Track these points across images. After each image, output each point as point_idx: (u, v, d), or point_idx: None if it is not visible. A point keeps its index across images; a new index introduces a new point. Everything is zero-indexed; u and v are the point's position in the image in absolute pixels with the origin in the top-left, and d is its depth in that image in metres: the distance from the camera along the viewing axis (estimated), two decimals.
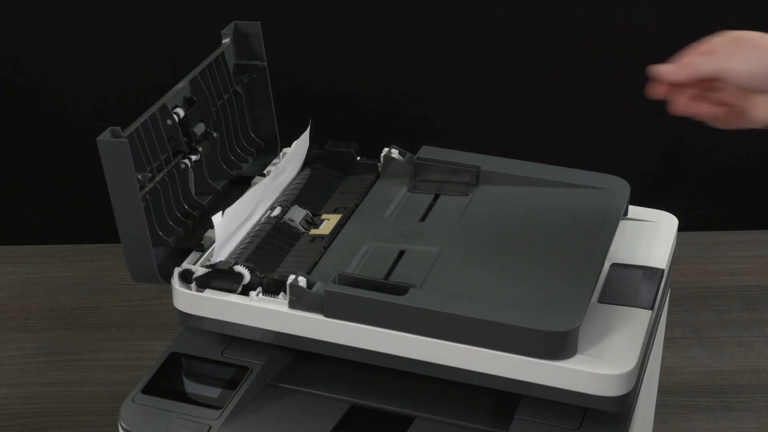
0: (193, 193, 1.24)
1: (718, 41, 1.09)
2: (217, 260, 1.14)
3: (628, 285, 1.17)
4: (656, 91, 1.10)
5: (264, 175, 1.30)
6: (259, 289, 1.10)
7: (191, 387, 1.14)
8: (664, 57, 1.10)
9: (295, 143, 1.28)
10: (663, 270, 1.19)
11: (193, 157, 1.23)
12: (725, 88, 1.09)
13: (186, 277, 1.13)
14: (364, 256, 1.15)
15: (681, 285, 1.75)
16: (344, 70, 1.80)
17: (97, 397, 1.41)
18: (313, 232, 1.20)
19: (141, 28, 1.75)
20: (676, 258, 1.26)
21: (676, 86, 1.10)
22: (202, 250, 1.17)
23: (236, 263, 1.11)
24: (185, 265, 1.14)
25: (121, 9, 1.74)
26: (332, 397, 1.11)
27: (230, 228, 1.16)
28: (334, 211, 1.24)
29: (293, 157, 1.29)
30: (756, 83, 1.05)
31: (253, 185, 1.28)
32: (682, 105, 1.10)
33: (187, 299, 1.13)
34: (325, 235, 1.19)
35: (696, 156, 1.89)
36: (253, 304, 1.10)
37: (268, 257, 1.16)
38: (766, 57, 1.05)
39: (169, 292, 1.15)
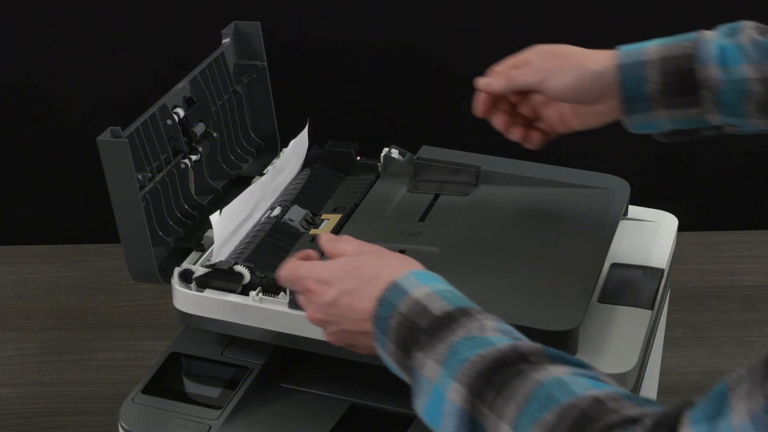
0: (193, 193, 1.24)
1: (533, 55, 1.14)
2: (217, 260, 1.14)
3: (628, 285, 1.17)
4: (477, 109, 1.16)
5: (263, 175, 1.30)
6: (259, 289, 1.10)
7: (191, 387, 1.15)
8: None
9: (292, 142, 1.28)
10: (663, 270, 1.19)
11: (193, 157, 1.23)
12: (535, 100, 1.16)
13: (186, 277, 1.13)
14: None
15: (681, 285, 1.75)
16: (344, 70, 1.81)
17: (97, 397, 1.40)
18: (312, 232, 1.20)
19: (141, 28, 1.75)
20: (676, 258, 1.26)
21: (496, 101, 1.16)
22: (202, 250, 1.17)
23: (236, 263, 1.11)
24: (185, 265, 1.14)
25: (121, 9, 1.74)
26: (332, 396, 1.11)
27: (229, 227, 1.16)
28: (334, 211, 1.24)
29: (292, 156, 1.29)
30: (575, 96, 1.11)
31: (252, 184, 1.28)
32: (503, 124, 1.16)
33: (187, 299, 1.13)
34: None
35: (696, 156, 1.89)
36: (253, 304, 1.10)
37: (268, 257, 1.16)
38: (584, 72, 1.10)
39: (169, 292, 1.15)
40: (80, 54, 1.76)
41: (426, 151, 1.30)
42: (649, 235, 1.25)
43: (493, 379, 0.81)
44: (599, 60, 1.11)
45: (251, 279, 1.10)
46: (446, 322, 0.86)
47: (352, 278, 0.93)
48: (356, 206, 1.25)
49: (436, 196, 1.26)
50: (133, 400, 1.12)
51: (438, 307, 0.87)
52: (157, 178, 1.17)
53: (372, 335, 0.91)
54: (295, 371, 1.15)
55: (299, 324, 1.08)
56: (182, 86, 1.23)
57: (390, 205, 1.25)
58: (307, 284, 0.96)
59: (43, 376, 1.44)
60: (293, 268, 0.98)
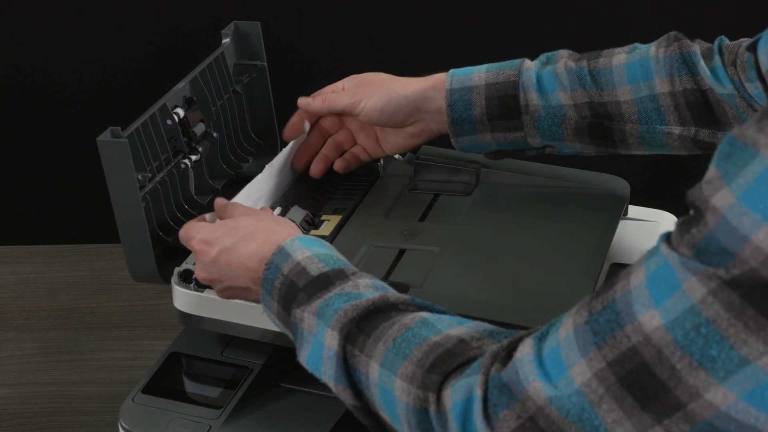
0: (193, 193, 1.24)
1: (348, 82, 1.25)
2: None
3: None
4: (288, 134, 1.28)
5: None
6: None
7: (191, 387, 1.15)
8: None
9: (292, 143, 1.28)
10: None
11: (193, 157, 1.23)
12: (351, 126, 1.27)
13: (186, 277, 1.13)
14: (363, 256, 1.14)
15: None
16: (344, 70, 1.80)
17: (97, 397, 1.40)
18: (313, 232, 1.20)
19: (141, 27, 1.75)
20: None
21: (315, 127, 1.27)
22: None
23: None
24: (185, 265, 1.14)
25: (121, 8, 1.74)
26: (332, 396, 1.11)
27: None
28: (334, 212, 1.24)
29: (290, 157, 1.29)
30: (384, 118, 1.22)
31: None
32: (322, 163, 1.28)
33: (187, 299, 1.13)
34: (325, 235, 1.19)
35: (696, 156, 1.89)
36: (252, 303, 1.10)
37: None
38: (391, 96, 1.21)
39: (168, 292, 1.15)
40: (80, 53, 1.76)
41: (426, 151, 1.30)
42: (649, 235, 1.25)
43: (364, 324, 0.88)
44: (408, 86, 1.21)
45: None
46: (322, 281, 0.92)
47: (228, 237, 1.01)
48: (356, 206, 1.25)
49: (436, 196, 1.26)
50: (133, 400, 1.12)
51: (316, 268, 0.93)
52: (157, 178, 1.17)
53: (255, 292, 0.99)
54: (295, 371, 1.14)
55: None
56: (182, 86, 1.23)
57: (390, 204, 1.25)
58: (193, 244, 1.04)
59: (43, 376, 1.44)
60: (186, 228, 1.06)
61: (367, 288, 0.92)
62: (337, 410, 1.10)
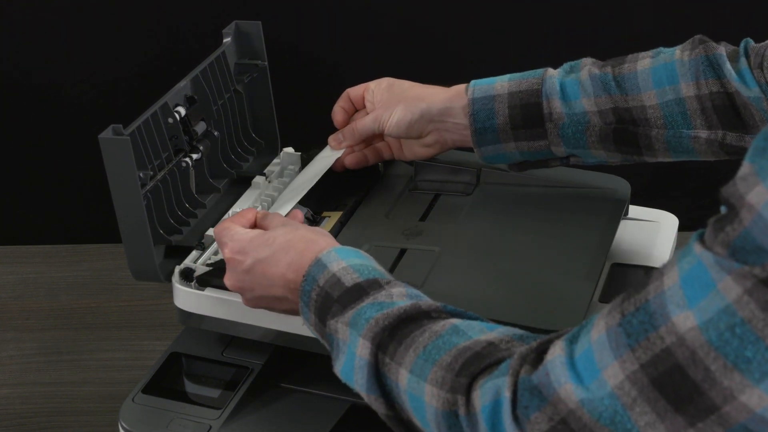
0: (194, 191, 1.24)
1: (370, 95, 1.26)
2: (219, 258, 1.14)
3: (629, 285, 1.17)
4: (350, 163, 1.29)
5: (264, 175, 1.30)
6: None
7: (191, 387, 1.14)
8: None
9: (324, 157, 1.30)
10: None
11: (194, 156, 1.23)
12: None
13: (187, 276, 1.12)
14: None
15: None
16: (345, 70, 1.80)
17: (97, 397, 1.40)
18: None
19: (142, 27, 1.75)
20: None
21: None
22: (203, 248, 1.17)
23: None
24: (186, 263, 1.14)
25: (121, 7, 1.74)
26: (332, 396, 1.11)
27: None
28: (335, 210, 1.24)
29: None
30: (400, 133, 1.23)
31: (254, 185, 1.28)
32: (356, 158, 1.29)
33: (188, 297, 1.12)
34: None
35: None
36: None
37: None
38: (408, 109, 1.21)
39: (168, 292, 1.15)
40: (81, 53, 1.76)
41: None
42: (650, 235, 1.25)
43: (395, 332, 0.87)
44: (426, 97, 1.21)
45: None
46: (356, 292, 0.92)
47: (266, 247, 1.00)
48: (357, 206, 1.25)
49: (437, 196, 1.26)
50: (133, 400, 1.12)
51: (350, 279, 0.93)
52: (159, 177, 1.17)
53: (291, 302, 0.98)
54: (295, 371, 1.15)
55: (300, 323, 1.08)
56: (183, 85, 1.23)
57: (391, 204, 1.25)
58: (226, 252, 1.03)
59: (43, 376, 1.44)
60: (222, 231, 1.05)
61: (401, 297, 0.91)
62: (337, 410, 1.10)
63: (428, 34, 1.78)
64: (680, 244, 1.28)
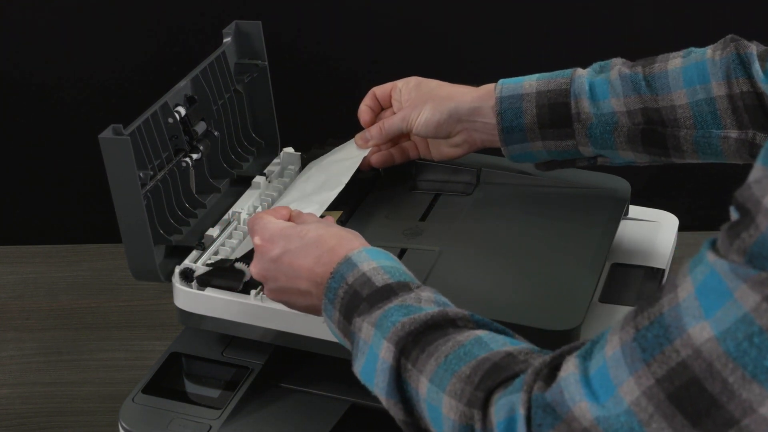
0: (194, 191, 1.24)
1: (398, 95, 1.25)
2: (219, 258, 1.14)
3: (629, 285, 1.17)
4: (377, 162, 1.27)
5: (264, 175, 1.30)
6: (260, 287, 1.10)
7: (191, 387, 1.14)
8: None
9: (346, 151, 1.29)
10: (664, 270, 1.19)
11: (194, 156, 1.23)
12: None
13: (187, 276, 1.12)
14: None
15: None
16: (345, 69, 1.80)
17: (97, 397, 1.40)
18: None
19: (142, 26, 1.75)
20: (676, 258, 1.26)
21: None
22: (203, 248, 1.17)
23: (237, 261, 1.11)
24: (186, 263, 1.14)
25: (122, 7, 1.74)
26: (332, 396, 1.11)
27: None
28: (335, 210, 1.24)
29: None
30: (429, 132, 1.22)
31: (254, 185, 1.28)
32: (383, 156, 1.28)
33: (188, 297, 1.12)
34: None
35: None
36: (254, 302, 1.10)
37: None
38: (437, 109, 1.20)
39: (169, 292, 1.15)
40: (81, 52, 1.76)
41: None
42: (650, 235, 1.25)
43: (420, 338, 0.86)
44: (455, 96, 1.20)
45: (252, 277, 1.10)
46: (385, 292, 0.91)
47: (297, 239, 1.00)
48: (357, 205, 1.25)
49: (437, 196, 1.26)
50: (133, 400, 1.12)
51: (381, 279, 0.92)
52: (159, 176, 1.17)
53: (314, 297, 0.97)
54: (295, 371, 1.15)
55: (300, 323, 1.08)
56: (183, 85, 1.23)
57: (390, 204, 1.25)
58: (256, 239, 1.03)
59: (43, 376, 1.44)
60: (255, 219, 1.05)
61: (429, 302, 0.90)
62: (337, 410, 1.10)
63: (428, 34, 1.78)
64: (680, 244, 1.28)
